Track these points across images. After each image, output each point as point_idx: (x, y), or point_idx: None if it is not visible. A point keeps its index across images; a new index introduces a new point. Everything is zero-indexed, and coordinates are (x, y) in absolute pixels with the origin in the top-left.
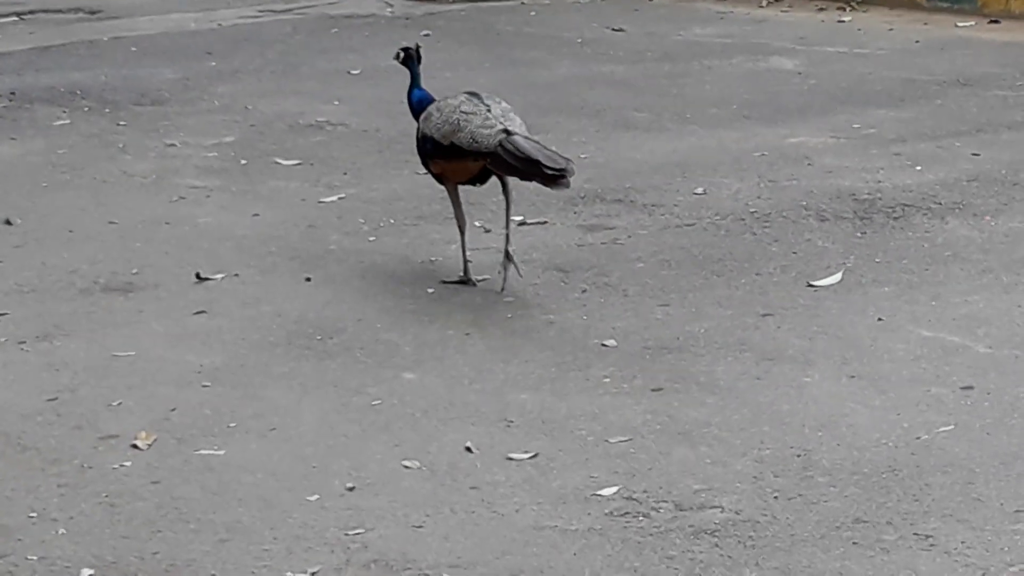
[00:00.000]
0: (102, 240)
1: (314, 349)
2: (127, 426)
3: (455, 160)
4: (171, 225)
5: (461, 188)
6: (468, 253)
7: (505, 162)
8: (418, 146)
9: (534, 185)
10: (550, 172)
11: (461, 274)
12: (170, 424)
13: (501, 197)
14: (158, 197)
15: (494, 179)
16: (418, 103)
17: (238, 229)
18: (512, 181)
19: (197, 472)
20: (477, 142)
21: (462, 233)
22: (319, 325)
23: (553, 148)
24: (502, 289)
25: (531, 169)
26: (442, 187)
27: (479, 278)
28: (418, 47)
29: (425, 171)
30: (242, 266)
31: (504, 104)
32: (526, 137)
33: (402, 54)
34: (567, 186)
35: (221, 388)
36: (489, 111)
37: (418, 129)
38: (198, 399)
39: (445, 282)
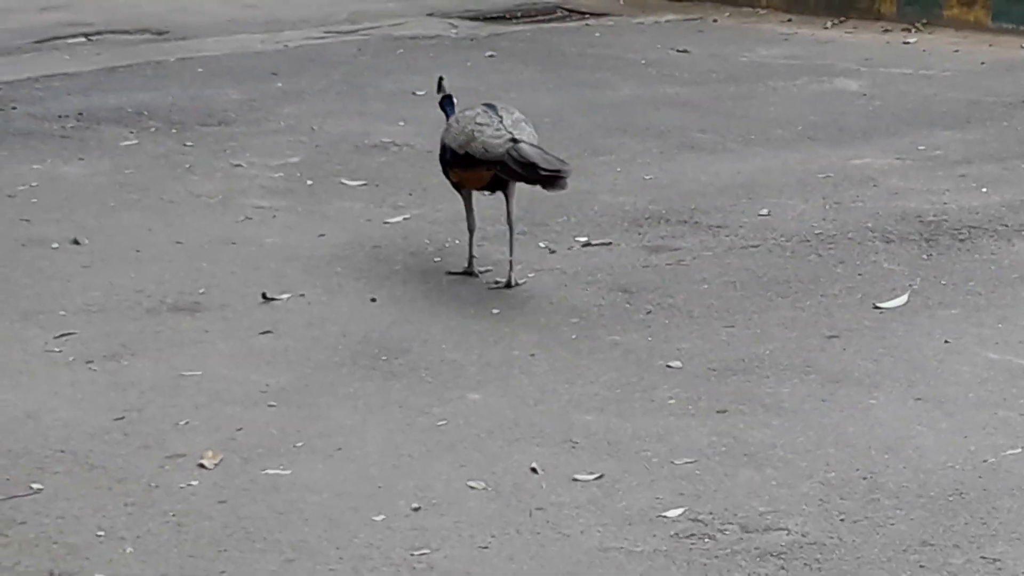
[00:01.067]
0: (169, 260)
1: (379, 369)
2: (194, 445)
3: (470, 169)
4: (237, 245)
5: (478, 196)
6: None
7: (511, 168)
8: (440, 156)
9: (599, 207)
10: (545, 173)
11: (466, 266)
12: (236, 444)
13: (506, 209)
14: (224, 217)
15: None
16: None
17: (304, 249)
18: (519, 192)
19: (263, 492)
20: (488, 151)
21: (471, 234)
22: (384, 345)
23: (555, 155)
24: (508, 284)
25: (531, 173)
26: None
27: (482, 269)
28: (440, 79)
29: (446, 179)
30: (308, 286)
31: (517, 114)
32: (532, 145)
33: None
34: (563, 187)
35: (287, 408)
36: (501, 121)
37: (440, 140)
38: (264, 419)
39: (451, 273)
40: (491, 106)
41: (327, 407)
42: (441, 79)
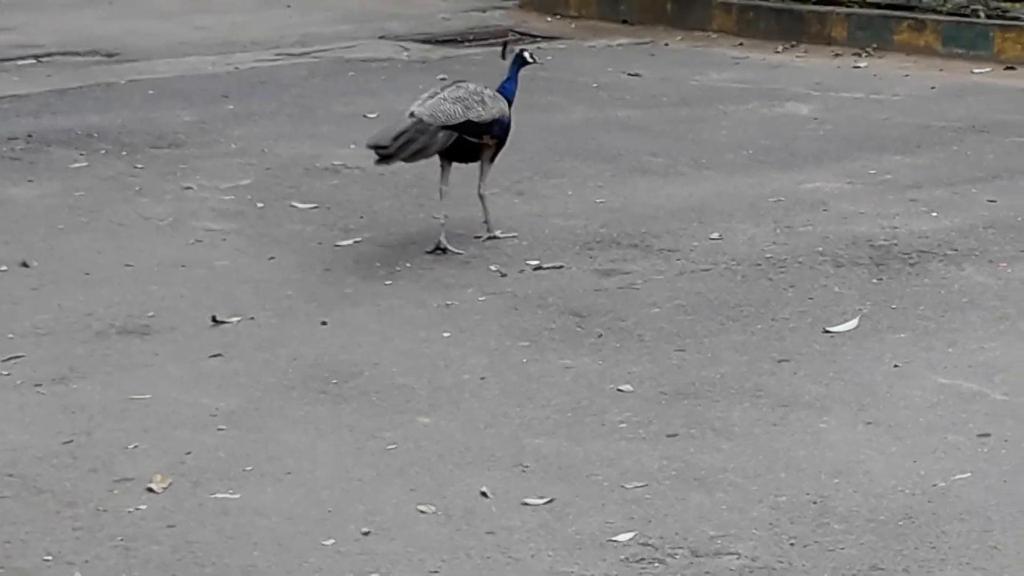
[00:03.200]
0: (118, 283)
1: (330, 393)
2: (143, 469)
3: None
4: (187, 268)
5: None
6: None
7: None
8: None
9: (550, 230)
10: (368, 146)
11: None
12: (185, 467)
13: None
14: (174, 240)
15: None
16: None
17: (254, 272)
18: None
19: (212, 516)
20: None
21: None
22: (334, 369)
23: (399, 129)
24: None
25: None
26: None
27: (456, 250)
28: (506, 43)
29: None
30: (258, 309)
31: (461, 91)
32: (403, 121)
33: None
34: (377, 157)
35: (237, 431)
36: (430, 97)
37: None
38: (214, 442)
39: (428, 252)
40: (454, 84)
41: (277, 431)
42: (505, 44)
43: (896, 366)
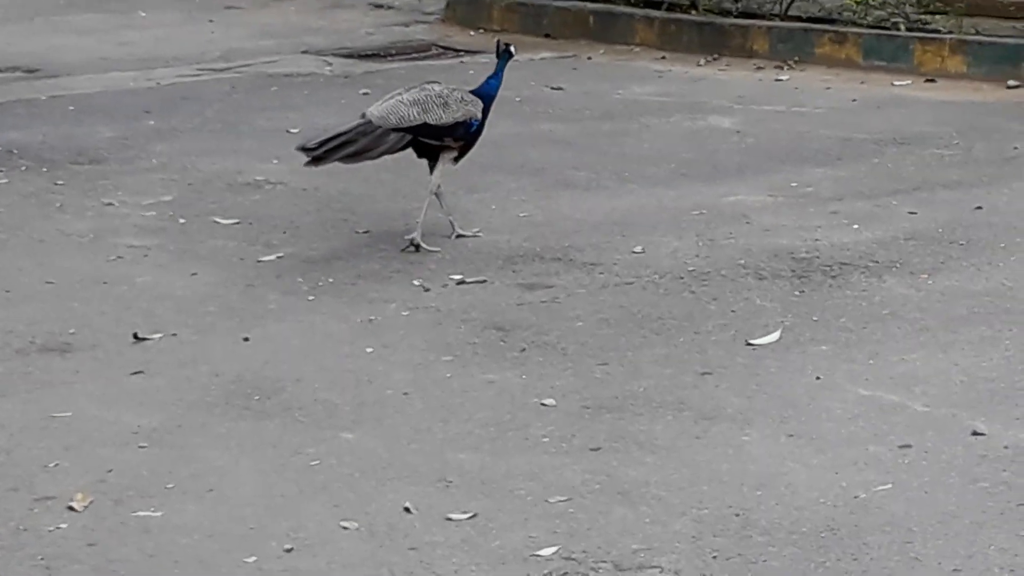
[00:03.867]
0: (39, 300)
1: (252, 409)
2: (63, 488)
3: None
4: (108, 285)
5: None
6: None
7: None
8: None
9: (474, 244)
10: (296, 148)
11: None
12: (107, 485)
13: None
14: (96, 257)
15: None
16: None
17: (176, 289)
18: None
19: (134, 534)
20: None
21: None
22: (257, 385)
23: (337, 131)
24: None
25: None
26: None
27: (432, 249)
28: (507, 46)
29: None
30: (180, 326)
31: (416, 94)
32: (360, 116)
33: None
34: (307, 159)
35: (158, 449)
36: (392, 97)
37: None
38: (135, 460)
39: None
40: (420, 86)
41: (199, 448)
42: (499, 43)
43: (818, 378)
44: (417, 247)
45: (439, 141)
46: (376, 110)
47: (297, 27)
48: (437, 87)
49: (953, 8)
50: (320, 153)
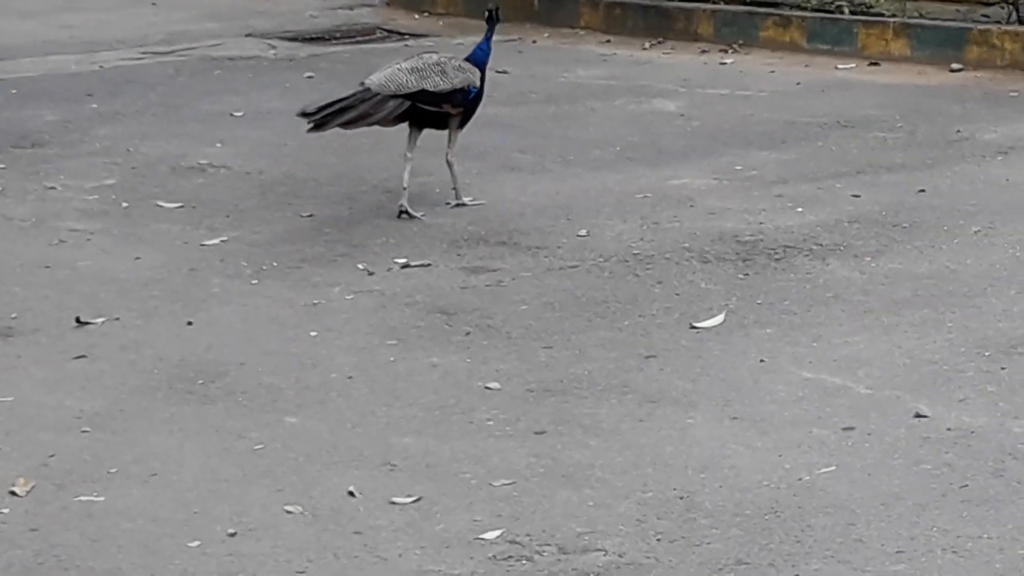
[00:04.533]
0: None
1: (196, 393)
2: (5, 473)
3: None
4: (51, 269)
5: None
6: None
7: None
8: None
9: (418, 228)
10: (297, 114)
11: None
12: (49, 470)
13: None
14: (38, 240)
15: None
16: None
17: (119, 272)
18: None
19: (76, 519)
20: None
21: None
22: (201, 369)
23: (337, 97)
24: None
25: None
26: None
27: (417, 214)
28: (495, 10)
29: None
30: (123, 310)
31: (415, 62)
32: (359, 84)
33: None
34: (309, 125)
35: (101, 433)
36: (390, 67)
37: None
38: (78, 445)
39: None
40: (417, 55)
41: (142, 432)
42: (487, 10)
43: (762, 361)
44: (463, 204)
45: (438, 107)
46: (375, 78)
47: (241, 10)
48: (435, 56)
49: None
50: (320, 118)
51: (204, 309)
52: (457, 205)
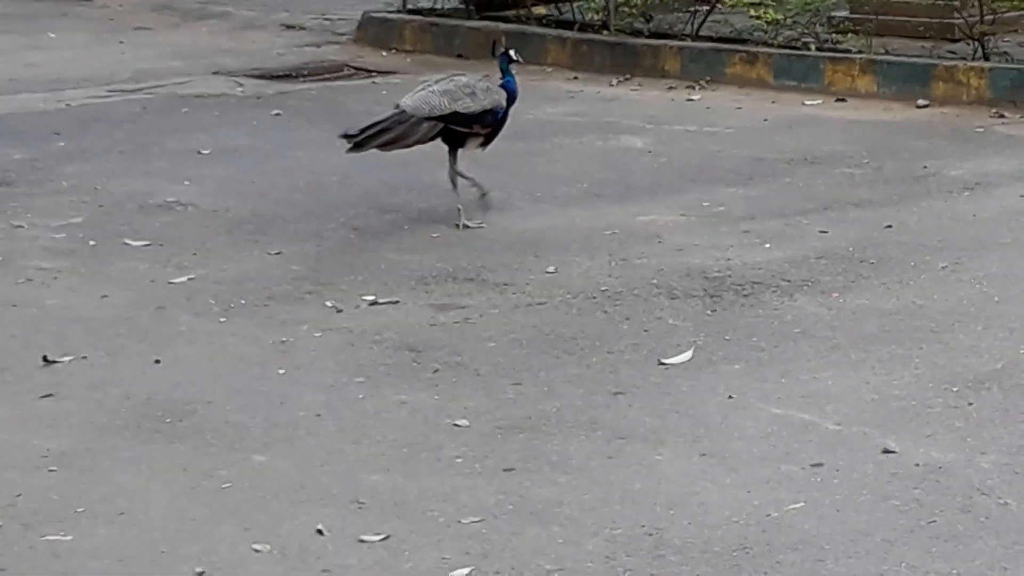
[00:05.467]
0: None
1: (163, 432)
2: None
3: None
4: (18, 307)
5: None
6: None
7: None
8: None
9: (386, 265)
10: (339, 136)
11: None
12: (16, 510)
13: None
14: (4, 279)
15: None
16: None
17: (86, 311)
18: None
19: (43, 559)
20: None
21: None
22: (168, 408)
23: (375, 120)
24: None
25: None
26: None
27: (475, 225)
28: (502, 47)
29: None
30: (90, 348)
31: (452, 82)
32: (394, 107)
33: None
34: (349, 146)
35: (68, 472)
36: (423, 89)
37: None
38: (45, 484)
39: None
40: (448, 77)
41: (110, 471)
42: (495, 43)
43: (730, 397)
44: (467, 226)
45: (468, 128)
46: (409, 100)
47: (208, 48)
48: (464, 78)
49: (863, 28)
50: (361, 139)
51: (171, 347)
52: (464, 227)
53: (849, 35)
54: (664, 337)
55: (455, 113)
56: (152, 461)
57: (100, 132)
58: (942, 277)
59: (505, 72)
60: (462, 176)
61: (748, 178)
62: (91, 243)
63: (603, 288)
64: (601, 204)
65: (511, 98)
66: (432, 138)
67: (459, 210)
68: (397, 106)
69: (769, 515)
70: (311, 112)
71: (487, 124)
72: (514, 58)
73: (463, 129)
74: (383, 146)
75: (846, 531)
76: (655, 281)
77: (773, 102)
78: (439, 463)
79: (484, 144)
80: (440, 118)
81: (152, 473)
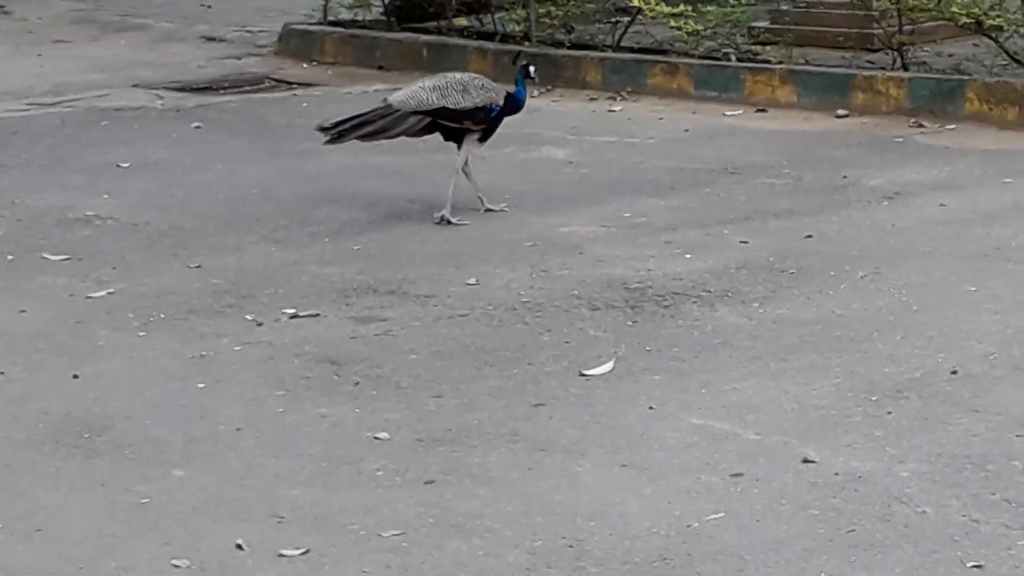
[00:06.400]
0: None
1: (82, 447)
2: None
3: None
4: None
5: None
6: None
7: None
8: None
9: (307, 278)
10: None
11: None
12: None
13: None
14: None
15: None
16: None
17: (4, 326)
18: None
19: None
20: None
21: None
22: (87, 423)
23: (356, 112)
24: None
25: None
26: None
27: (497, 208)
28: (524, 60)
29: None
30: (8, 364)
31: (445, 79)
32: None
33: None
34: (326, 138)
35: None
36: (413, 85)
37: None
38: None
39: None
40: (441, 74)
41: (27, 487)
42: (517, 55)
43: (651, 408)
44: (448, 222)
45: (459, 124)
46: (397, 95)
47: (128, 61)
48: (459, 75)
49: (783, 39)
50: (338, 132)
51: (90, 362)
52: (487, 211)
53: (769, 46)
54: (585, 348)
55: (443, 108)
56: (71, 477)
57: (18, 146)
58: (861, 286)
59: (518, 83)
60: (466, 175)
61: (669, 188)
62: (9, 257)
63: (524, 300)
64: (522, 215)
65: (515, 103)
66: (420, 132)
67: (480, 198)
68: (384, 100)
69: (689, 525)
70: (232, 125)
71: (480, 121)
72: (531, 75)
73: (453, 124)
74: (364, 137)
75: (766, 540)
76: (576, 292)
77: (694, 112)
78: (360, 476)
79: (481, 140)
80: (427, 112)
81: (71, 489)
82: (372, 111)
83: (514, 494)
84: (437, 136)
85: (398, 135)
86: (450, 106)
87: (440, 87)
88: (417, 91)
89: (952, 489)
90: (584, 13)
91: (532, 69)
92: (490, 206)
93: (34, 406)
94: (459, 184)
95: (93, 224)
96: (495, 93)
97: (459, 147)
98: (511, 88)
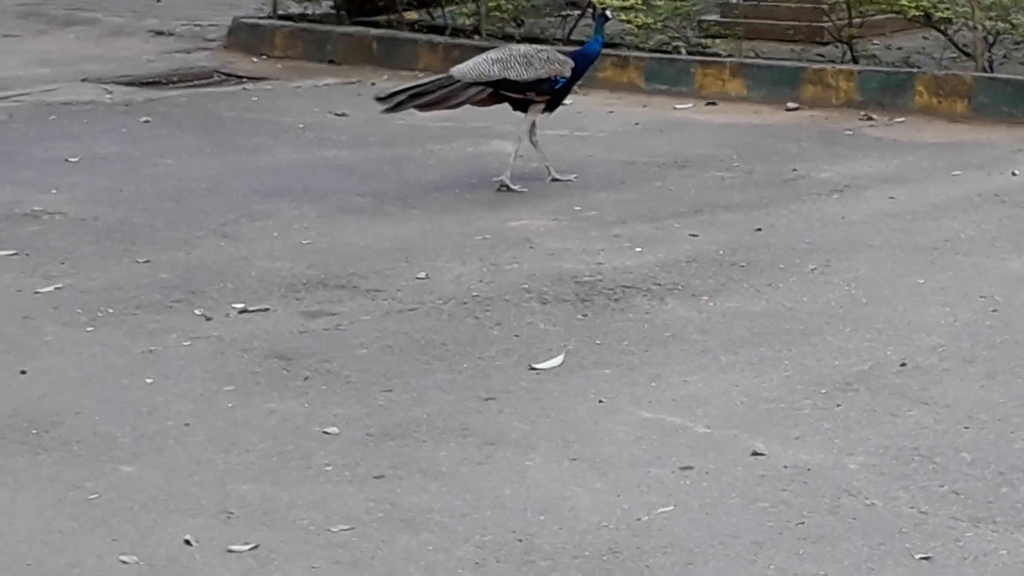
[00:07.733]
0: None
1: (29, 444)
2: None
3: None
4: None
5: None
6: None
7: None
8: None
9: (256, 273)
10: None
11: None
12: None
13: None
14: None
15: None
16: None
17: None
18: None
19: None
20: None
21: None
22: (34, 419)
23: (416, 83)
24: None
25: None
26: None
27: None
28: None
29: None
30: None
31: (506, 51)
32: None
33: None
34: (383, 107)
35: None
36: (474, 59)
37: None
38: None
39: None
40: (504, 46)
41: None
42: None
43: (601, 401)
44: (508, 188)
45: (522, 95)
46: (460, 67)
47: (76, 55)
48: (524, 47)
49: (733, 32)
50: (393, 103)
51: (38, 358)
52: (553, 180)
53: (719, 39)
54: (535, 342)
55: (504, 80)
56: (18, 473)
57: None
58: (811, 279)
59: (597, 31)
60: (532, 144)
61: (619, 182)
62: None
63: (474, 294)
64: (472, 209)
65: (585, 60)
66: (484, 101)
67: (547, 168)
68: (448, 73)
69: (639, 519)
70: (181, 119)
71: (543, 92)
72: (609, 17)
73: (516, 95)
74: (422, 107)
75: (715, 534)
76: (526, 286)
77: (644, 106)
78: (309, 471)
79: (547, 110)
80: (488, 83)
81: (18, 485)
82: (432, 81)
83: (464, 488)
84: (387, 130)
85: (459, 104)
86: (512, 77)
87: (503, 59)
88: (480, 62)
89: (900, 481)
90: (535, 7)
91: (610, 12)
92: (557, 176)
93: None
94: (522, 151)
95: (41, 219)
96: (560, 65)
97: (526, 116)
98: (587, 42)
